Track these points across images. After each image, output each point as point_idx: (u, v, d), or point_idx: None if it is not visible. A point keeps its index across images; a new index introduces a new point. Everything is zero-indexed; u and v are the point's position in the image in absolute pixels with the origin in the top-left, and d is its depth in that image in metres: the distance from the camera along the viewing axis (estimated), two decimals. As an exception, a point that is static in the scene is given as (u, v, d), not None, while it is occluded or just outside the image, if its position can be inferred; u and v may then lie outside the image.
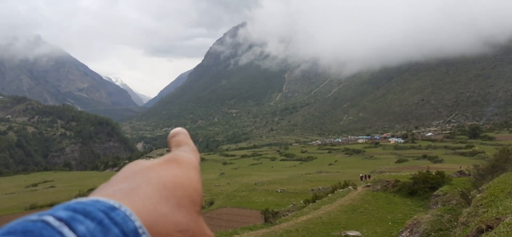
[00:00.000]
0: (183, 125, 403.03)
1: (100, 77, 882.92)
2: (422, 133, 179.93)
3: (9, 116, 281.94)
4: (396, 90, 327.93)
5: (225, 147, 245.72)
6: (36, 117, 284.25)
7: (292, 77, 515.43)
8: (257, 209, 29.45)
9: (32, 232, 0.40)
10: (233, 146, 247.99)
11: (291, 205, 31.24)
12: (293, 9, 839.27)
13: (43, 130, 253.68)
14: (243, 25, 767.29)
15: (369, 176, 43.32)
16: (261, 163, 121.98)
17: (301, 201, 31.15)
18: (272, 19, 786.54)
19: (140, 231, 0.44)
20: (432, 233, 14.74)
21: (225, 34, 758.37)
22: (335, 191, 31.01)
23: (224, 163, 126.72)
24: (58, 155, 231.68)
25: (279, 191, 41.20)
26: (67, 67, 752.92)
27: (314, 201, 28.19)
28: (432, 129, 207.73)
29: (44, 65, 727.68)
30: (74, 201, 0.45)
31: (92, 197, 0.47)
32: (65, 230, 0.40)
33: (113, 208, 0.45)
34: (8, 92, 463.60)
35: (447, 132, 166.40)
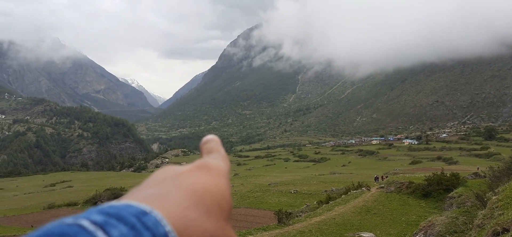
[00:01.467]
0: (197, 126, 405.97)
1: (116, 79, 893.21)
2: (436, 135, 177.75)
3: (28, 117, 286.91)
4: (410, 91, 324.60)
5: (239, 148, 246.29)
6: (54, 118, 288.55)
7: (306, 79, 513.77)
8: (270, 209, 29.60)
9: (68, 235, 0.41)
10: (247, 147, 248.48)
11: (305, 206, 31.30)
12: (307, 11, 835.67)
13: (61, 131, 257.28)
14: (257, 27, 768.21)
15: (383, 177, 43.06)
16: (274, 164, 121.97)
17: (315, 202, 31.20)
18: (287, 21, 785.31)
19: (171, 236, 0.46)
20: (447, 235, 14.69)
21: (239, 36, 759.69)
22: (349, 192, 30.97)
23: (238, 164, 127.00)
24: (76, 156, 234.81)
25: (292, 192, 41.25)
26: (85, 69, 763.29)
27: (327, 202, 28.22)
28: (446, 130, 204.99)
29: (62, 67, 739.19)
30: (107, 205, 0.47)
31: (125, 201, 0.49)
32: (100, 233, 0.42)
33: (145, 213, 0.46)
34: (27, 93, 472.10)
35: (462, 133, 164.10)
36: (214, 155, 0.67)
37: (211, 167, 0.60)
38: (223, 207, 0.55)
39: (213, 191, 0.55)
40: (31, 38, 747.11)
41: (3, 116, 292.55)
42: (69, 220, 0.43)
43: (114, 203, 0.47)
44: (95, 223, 0.43)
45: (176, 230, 0.47)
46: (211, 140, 0.76)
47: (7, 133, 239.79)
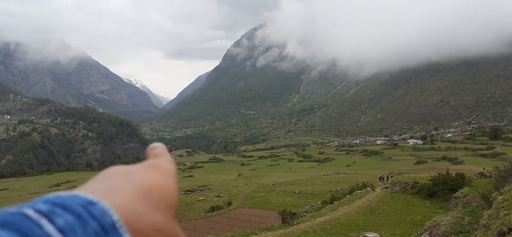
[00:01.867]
0: (201, 126, 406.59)
1: (120, 80, 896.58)
2: (441, 134, 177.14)
3: (33, 117, 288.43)
4: (414, 91, 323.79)
5: (243, 148, 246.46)
6: (59, 118, 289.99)
7: (310, 79, 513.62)
8: (274, 209, 29.53)
9: (11, 224, 0.40)
10: (251, 147, 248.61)
11: (309, 206, 31.24)
12: (312, 11, 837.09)
13: (66, 131, 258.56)
14: (261, 26, 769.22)
15: (388, 177, 42.91)
16: (278, 164, 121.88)
17: (319, 202, 31.11)
18: (291, 21, 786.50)
19: (118, 225, 0.45)
20: (452, 236, 14.60)
21: (242, 36, 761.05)
22: (353, 192, 30.89)
23: (242, 164, 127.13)
24: (80, 156, 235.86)
25: (296, 192, 41.17)
26: (89, 70, 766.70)
27: (332, 202, 28.14)
28: (451, 130, 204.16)
29: (66, 68, 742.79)
30: (53, 195, 0.46)
31: (71, 192, 0.48)
32: (44, 222, 0.41)
33: (92, 203, 0.46)
34: (32, 94, 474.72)
35: (467, 133, 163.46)
36: (161, 158, 0.68)
37: (159, 166, 0.62)
38: (171, 204, 0.56)
39: (161, 188, 0.57)
40: (36, 39, 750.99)
41: (9, 117, 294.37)
42: (12, 209, 0.42)
43: (60, 193, 0.47)
44: (39, 212, 0.42)
45: (123, 221, 0.47)
46: (158, 146, 0.75)
47: (12, 133, 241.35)
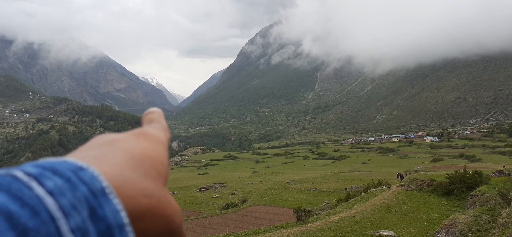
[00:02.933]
0: (216, 124, 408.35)
1: (136, 78, 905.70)
2: (458, 132, 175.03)
3: (51, 116, 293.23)
4: (431, 88, 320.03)
5: (257, 145, 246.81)
6: (77, 116, 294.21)
7: (325, 76, 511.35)
8: (289, 207, 29.54)
9: (1, 185, 0.40)
10: (266, 144, 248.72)
11: (324, 204, 31.18)
12: (327, 8, 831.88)
13: (83, 129, 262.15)
14: (276, 24, 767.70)
15: (407, 174, 42.33)
16: (293, 161, 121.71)
17: (334, 200, 31.03)
18: (306, 18, 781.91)
19: (107, 190, 0.45)
20: (470, 234, 14.45)
21: (257, 34, 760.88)
22: (369, 190, 30.73)
23: (257, 162, 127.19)
24: None
25: (311, 189, 41.11)
26: (106, 69, 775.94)
27: (347, 200, 28.04)
28: (469, 127, 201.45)
29: (84, 67, 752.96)
30: (42, 160, 0.46)
31: (61, 158, 0.48)
32: (34, 184, 0.41)
33: (81, 168, 0.46)
34: (50, 93, 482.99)
35: (485, 130, 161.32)
36: (154, 125, 0.68)
37: (149, 135, 0.62)
38: (161, 172, 0.56)
39: (151, 156, 0.56)
40: (54, 38, 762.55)
41: (28, 115, 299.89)
42: (2, 171, 0.43)
43: (50, 158, 0.47)
44: (29, 174, 0.42)
45: (113, 187, 0.47)
46: (153, 111, 0.76)
47: (31, 131, 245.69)
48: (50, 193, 0.41)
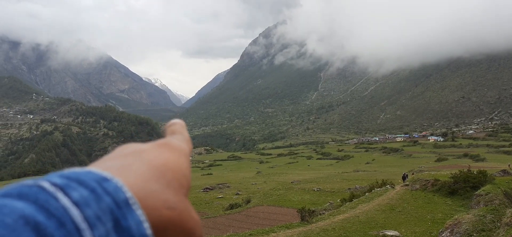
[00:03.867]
0: (220, 124, 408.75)
1: (140, 79, 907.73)
2: (462, 131, 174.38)
3: (55, 117, 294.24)
4: (435, 88, 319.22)
5: (261, 146, 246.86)
6: (80, 117, 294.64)
7: (328, 76, 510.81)
8: (293, 207, 29.57)
9: (28, 195, 0.41)
10: (270, 145, 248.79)
11: (328, 204, 31.19)
12: (331, 8, 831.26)
13: (87, 130, 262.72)
14: (279, 24, 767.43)
15: (413, 173, 42.08)
16: (297, 161, 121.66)
17: (338, 200, 31.03)
18: (310, 18, 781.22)
19: (131, 201, 0.46)
20: (474, 234, 14.46)
21: (260, 34, 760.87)
22: (373, 190, 30.74)
23: (261, 162, 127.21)
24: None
25: (315, 189, 41.11)
26: (109, 69, 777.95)
27: (351, 200, 28.06)
28: (473, 127, 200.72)
29: (87, 68, 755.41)
30: (67, 170, 0.47)
31: (86, 168, 0.48)
32: (60, 195, 0.42)
33: (106, 179, 0.46)
34: (54, 94, 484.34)
35: (490, 130, 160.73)
36: (177, 137, 0.69)
37: (172, 146, 0.63)
38: (183, 184, 0.56)
39: (174, 168, 0.57)
40: (57, 40, 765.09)
41: (31, 116, 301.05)
42: (29, 182, 0.43)
43: (75, 169, 0.47)
44: (55, 185, 0.43)
45: (136, 198, 0.47)
46: (176, 123, 0.77)
47: (35, 132, 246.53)
48: (76, 204, 0.42)
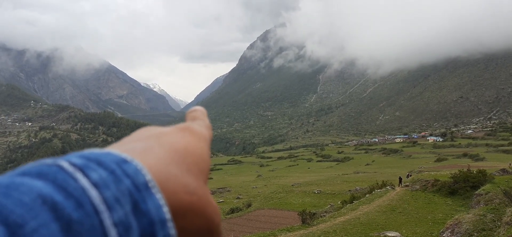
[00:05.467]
0: (219, 128, 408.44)
1: (138, 84, 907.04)
2: (461, 131, 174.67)
3: (54, 123, 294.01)
4: (433, 88, 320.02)
5: (261, 149, 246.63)
6: (79, 124, 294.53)
7: (327, 78, 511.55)
8: (294, 210, 29.59)
9: (47, 174, 0.41)
10: (269, 148, 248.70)
11: (329, 206, 31.25)
12: (329, 11, 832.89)
13: (86, 137, 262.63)
14: (277, 27, 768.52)
15: (408, 175, 42.20)
16: (297, 164, 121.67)
17: (339, 202, 31.09)
18: (308, 21, 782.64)
19: (150, 184, 0.45)
20: (475, 233, 14.52)
21: (258, 38, 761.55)
22: (373, 192, 30.79)
23: (261, 165, 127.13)
24: None
25: (316, 192, 41.14)
26: (107, 75, 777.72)
27: (351, 202, 28.11)
28: (472, 126, 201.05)
29: (85, 74, 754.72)
30: (87, 150, 0.47)
31: (105, 149, 0.48)
32: (79, 175, 0.41)
33: (126, 161, 0.46)
34: (52, 101, 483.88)
35: (488, 129, 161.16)
36: (198, 122, 0.69)
37: (193, 130, 0.62)
38: (203, 169, 0.55)
39: (195, 153, 0.56)
40: (55, 46, 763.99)
41: (30, 124, 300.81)
42: (49, 161, 0.43)
43: (95, 150, 0.47)
44: (74, 165, 0.43)
45: (156, 182, 0.47)
46: (197, 109, 0.77)
47: (33, 140, 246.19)
48: (95, 185, 0.42)
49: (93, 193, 0.41)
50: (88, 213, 0.40)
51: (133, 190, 0.44)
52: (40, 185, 0.39)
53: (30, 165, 0.42)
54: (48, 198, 0.39)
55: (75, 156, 0.44)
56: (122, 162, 0.45)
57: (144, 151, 0.52)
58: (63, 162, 0.42)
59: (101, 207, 0.41)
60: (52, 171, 0.41)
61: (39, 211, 0.38)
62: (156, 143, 0.54)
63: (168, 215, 0.45)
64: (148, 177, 0.46)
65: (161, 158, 0.51)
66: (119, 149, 0.51)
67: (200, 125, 0.67)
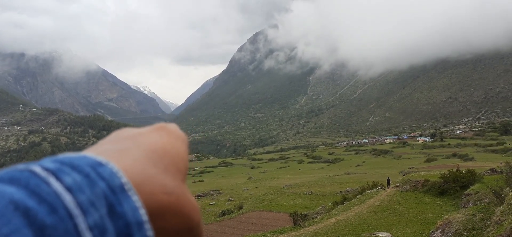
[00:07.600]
0: (210, 130, 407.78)
1: (128, 87, 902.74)
2: (451, 131, 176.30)
3: (43, 127, 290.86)
4: (422, 89, 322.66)
5: (252, 151, 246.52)
6: (69, 127, 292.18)
7: (317, 80, 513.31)
8: (286, 212, 29.62)
9: (19, 180, 0.40)
10: (260, 150, 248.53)
11: (320, 207, 31.30)
12: (319, 13, 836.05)
13: (76, 140, 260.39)
14: (267, 29, 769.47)
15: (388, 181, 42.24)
16: (288, 166, 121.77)
17: (330, 203, 31.17)
18: (298, 23, 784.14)
19: (126, 187, 0.44)
20: (465, 233, 14.64)
21: (248, 40, 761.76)
22: (364, 192, 30.93)
23: (252, 167, 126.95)
24: None
25: (307, 193, 41.21)
26: (97, 78, 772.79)
27: (342, 203, 28.21)
28: (461, 127, 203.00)
29: (74, 77, 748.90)
30: (61, 155, 0.46)
31: (80, 153, 0.47)
32: (52, 180, 0.41)
33: (101, 164, 0.45)
34: (41, 104, 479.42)
35: (477, 129, 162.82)
36: (172, 124, 0.66)
37: (170, 130, 0.61)
38: (181, 168, 0.55)
39: (172, 152, 0.55)
40: (44, 49, 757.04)
41: (19, 127, 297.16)
42: (21, 166, 0.42)
43: (69, 153, 0.46)
44: (47, 169, 0.42)
45: (133, 184, 0.46)
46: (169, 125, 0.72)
47: (22, 144, 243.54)
48: (68, 189, 0.41)
49: (67, 197, 0.40)
50: (61, 217, 0.39)
51: (109, 193, 0.43)
52: (12, 191, 0.39)
53: (1, 171, 0.41)
54: (21, 204, 0.38)
55: (48, 161, 0.44)
56: (97, 165, 0.45)
57: (120, 152, 0.51)
58: (36, 167, 0.42)
59: (75, 211, 0.40)
60: (24, 176, 0.40)
61: (11, 217, 0.37)
62: (133, 144, 0.54)
63: (145, 217, 0.45)
64: (124, 179, 0.45)
65: (137, 159, 0.50)
66: (94, 151, 0.51)
67: (175, 126, 0.66)
